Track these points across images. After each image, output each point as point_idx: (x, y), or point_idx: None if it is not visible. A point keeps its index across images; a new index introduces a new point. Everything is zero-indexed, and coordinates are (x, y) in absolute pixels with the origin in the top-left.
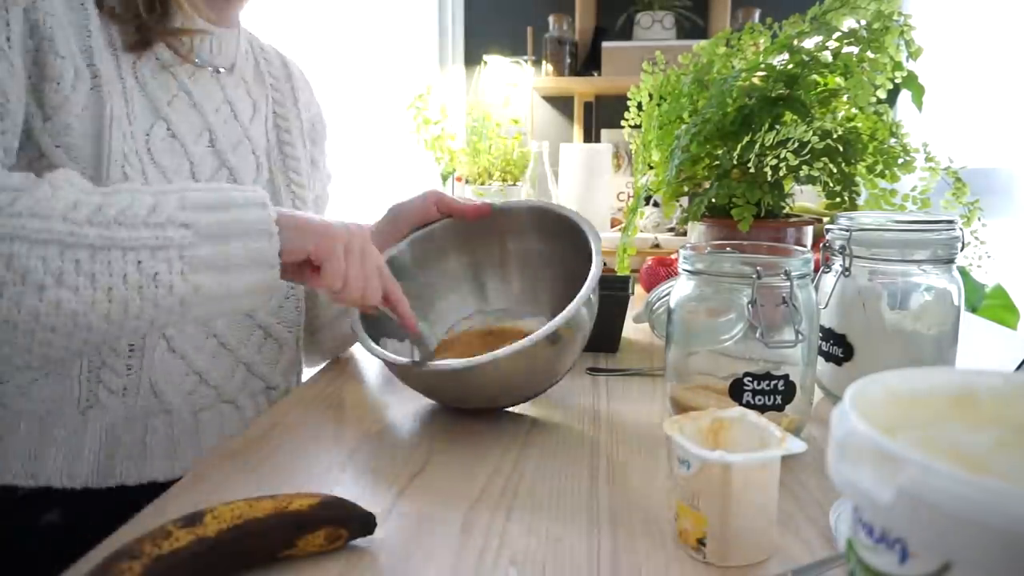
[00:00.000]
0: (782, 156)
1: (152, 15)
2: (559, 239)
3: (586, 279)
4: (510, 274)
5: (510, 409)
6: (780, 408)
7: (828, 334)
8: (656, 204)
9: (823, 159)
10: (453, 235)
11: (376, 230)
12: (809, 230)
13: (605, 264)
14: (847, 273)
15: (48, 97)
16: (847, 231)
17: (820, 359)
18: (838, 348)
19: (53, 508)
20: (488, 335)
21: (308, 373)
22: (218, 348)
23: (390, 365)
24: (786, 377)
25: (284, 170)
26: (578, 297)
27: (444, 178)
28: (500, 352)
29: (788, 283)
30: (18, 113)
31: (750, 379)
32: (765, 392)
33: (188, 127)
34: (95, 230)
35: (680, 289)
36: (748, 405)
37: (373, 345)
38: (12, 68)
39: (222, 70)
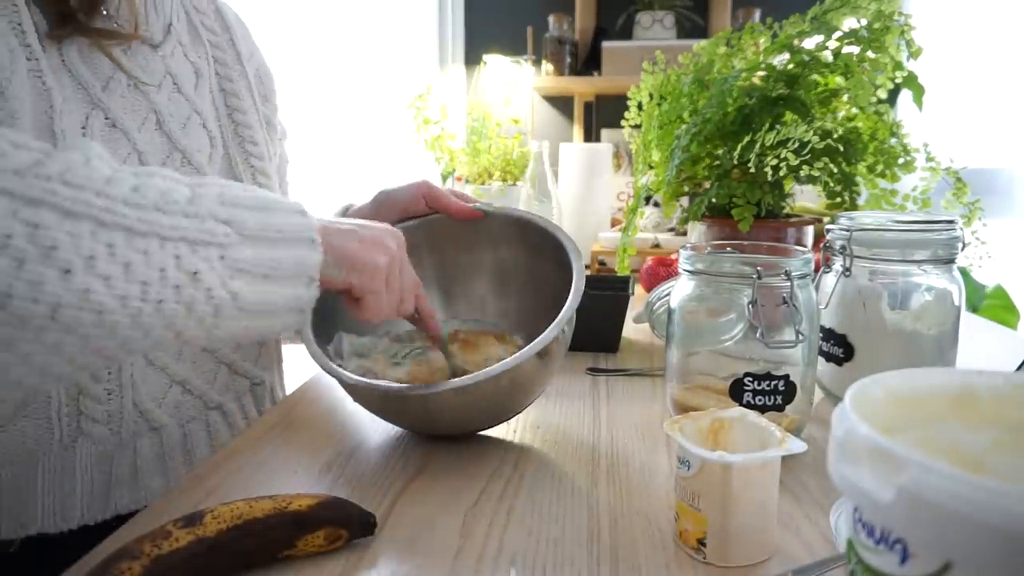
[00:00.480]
0: (782, 156)
1: (82, 3)
2: (540, 253)
3: (561, 299)
4: (481, 283)
5: None
6: (780, 408)
7: (828, 334)
8: (656, 204)
9: (823, 159)
10: (430, 233)
11: (359, 214)
12: (809, 230)
13: (605, 264)
14: (847, 273)
15: None
16: (847, 231)
17: (820, 359)
18: (838, 348)
19: (48, 564)
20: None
21: (294, 366)
22: (197, 353)
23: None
24: (786, 377)
25: (239, 141)
26: (554, 323)
27: (444, 178)
28: (467, 379)
29: (788, 283)
30: None
31: (750, 379)
32: (765, 392)
33: (129, 112)
34: (134, 211)
35: (680, 289)
36: (748, 405)
37: (332, 366)
38: None
39: (157, 43)
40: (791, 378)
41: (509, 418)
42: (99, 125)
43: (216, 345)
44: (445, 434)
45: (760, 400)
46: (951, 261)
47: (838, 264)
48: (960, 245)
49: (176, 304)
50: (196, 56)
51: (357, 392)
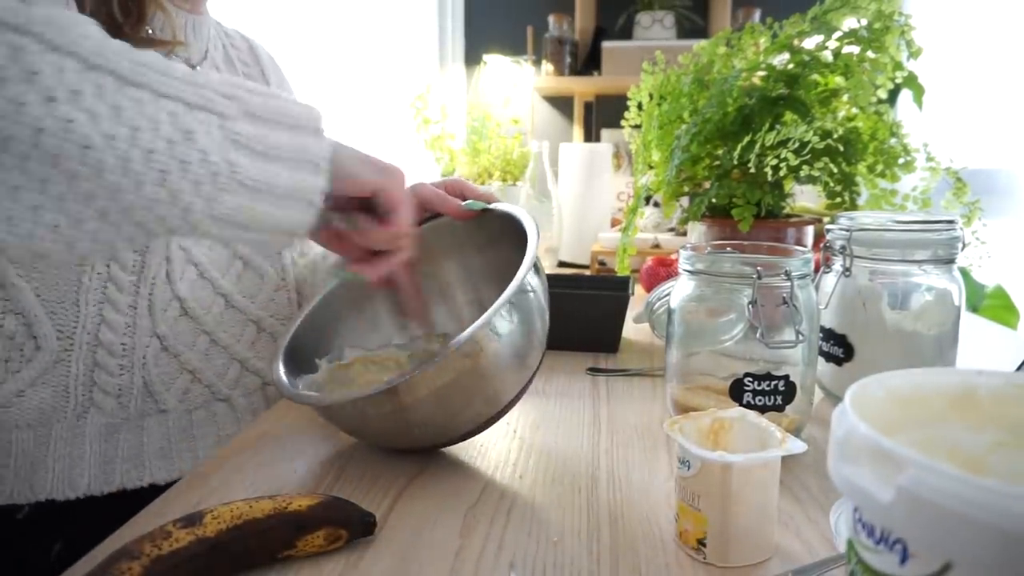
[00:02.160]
0: (782, 156)
1: (127, 19)
2: (502, 241)
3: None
4: (455, 289)
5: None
6: (780, 408)
7: (828, 334)
8: (656, 204)
9: (823, 159)
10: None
11: None
12: (809, 230)
13: (604, 264)
14: (847, 273)
15: None
16: (847, 231)
17: (820, 359)
18: (838, 348)
19: (55, 532)
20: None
21: None
22: (211, 345)
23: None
24: (786, 377)
25: None
26: (484, 316)
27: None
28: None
29: (788, 283)
30: None
31: (750, 379)
32: (765, 392)
33: None
34: (127, 62)
35: (680, 289)
36: (748, 405)
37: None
38: None
39: (194, 64)
40: (791, 378)
41: (484, 422)
42: None
43: (221, 230)
44: (425, 445)
45: (760, 400)
46: (951, 261)
47: (838, 264)
48: (960, 245)
49: (169, 159)
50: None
51: (324, 411)
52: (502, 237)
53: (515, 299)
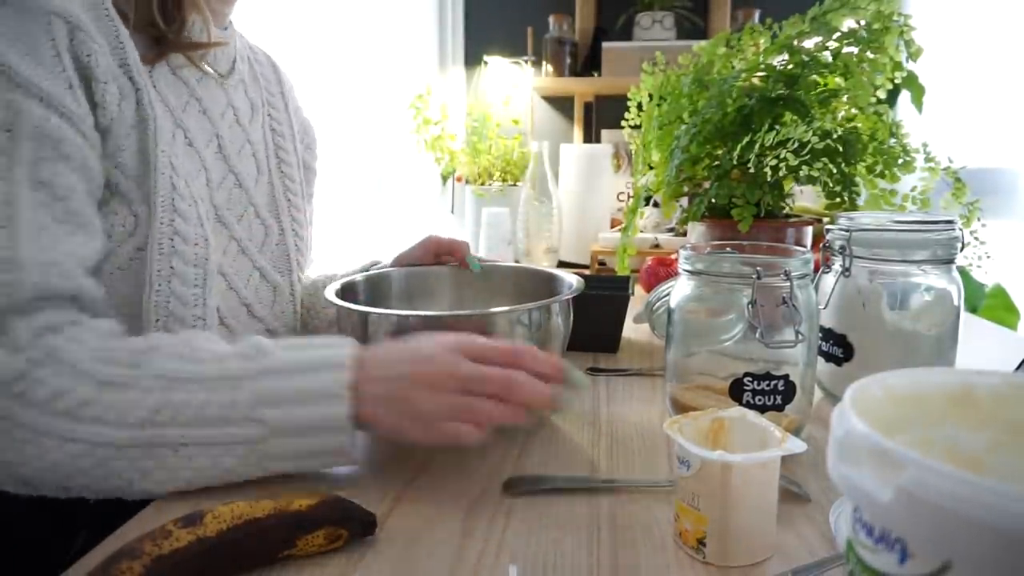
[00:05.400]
0: (782, 156)
1: (171, 26)
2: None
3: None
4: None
5: None
6: (780, 408)
7: (828, 334)
8: (656, 204)
9: (823, 159)
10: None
11: (409, 257)
12: (809, 230)
13: (605, 264)
14: (847, 273)
15: (98, 122)
16: (847, 231)
17: (820, 359)
18: (838, 348)
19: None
20: None
21: None
22: (244, 317)
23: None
24: (786, 377)
25: (280, 176)
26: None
27: (444, 178)
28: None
29: (788, 283)
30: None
31: (750, 379)
32: (765, 392)
33: (200, 134)
34: (175, 431)
35: (680, 289)
36: (748, 405)
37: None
38: (85, 139)
39: (223, 74)
40: (791, 378)
41: None
42: (181, 143)
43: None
44: None
45: (760, 400)
46: (950, 261)
47: (838, 264)
48: (959, 245)
49: (212, 479)
50: (254, 94)
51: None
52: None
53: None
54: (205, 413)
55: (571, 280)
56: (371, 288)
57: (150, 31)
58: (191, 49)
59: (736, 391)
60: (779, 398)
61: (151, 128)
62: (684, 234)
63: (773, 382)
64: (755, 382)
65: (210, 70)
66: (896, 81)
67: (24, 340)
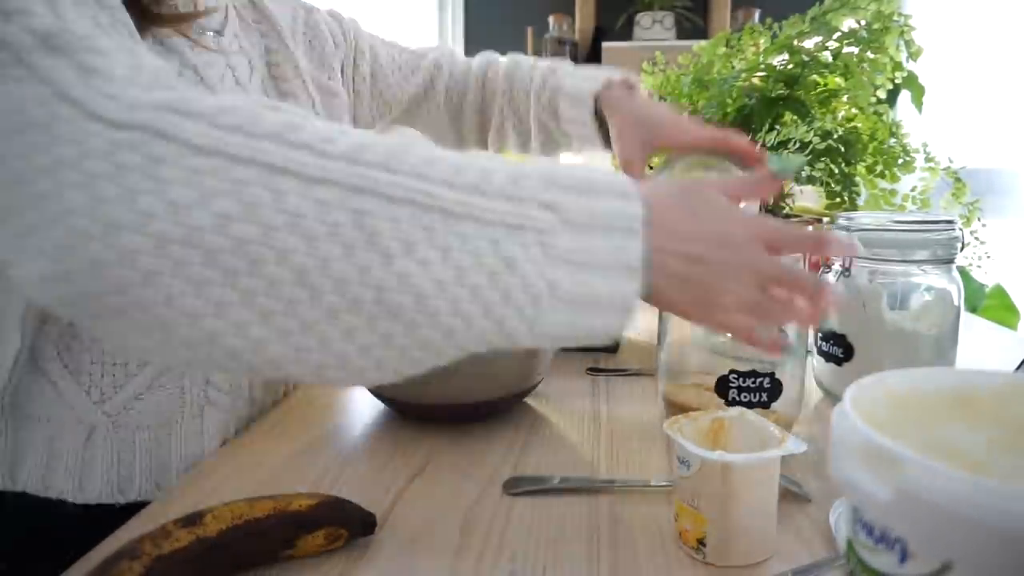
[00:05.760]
0: (783, 157)
1: None
2: None
3: None
4: None
5: (510, 410)
6: (766, 405)
7: (828, 334)
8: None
9: (824, 159)
10: None
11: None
12: (809, 230)
13: None
14: (847, 273)
15: None
16: (847, 231)
17: (820, 359)
18: (838, 348)
19: None
20: None
21: None
22: None
23: None
24: (772, 375)
25: None
26: None
27: None
28: None
29: None
30: None
31: (735, 376)
32: (751, 390)
33: None
34: (452, 193)
35: None
36: (734, 402)
37: None
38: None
39: (218, 31)
40: (776, 376)
41: (504, 396)
42: None
43: (539, 342)
44: (451, 400)
45: (745, 397)
46: (950, 261)
47: (837, 264)
48: (959, 245)
49: (490, 292)
50: (250, 49)
51: None
52: None
53: None
54: (491, 180)
55: None
56: None
57: (129, 2)
58: (177, 22)
59: (722, 388)
60: (765, 395)
61: None
62: None
63: (759, 379)
64: (740, 379)
65: (206, 33)
66: (896, 81)
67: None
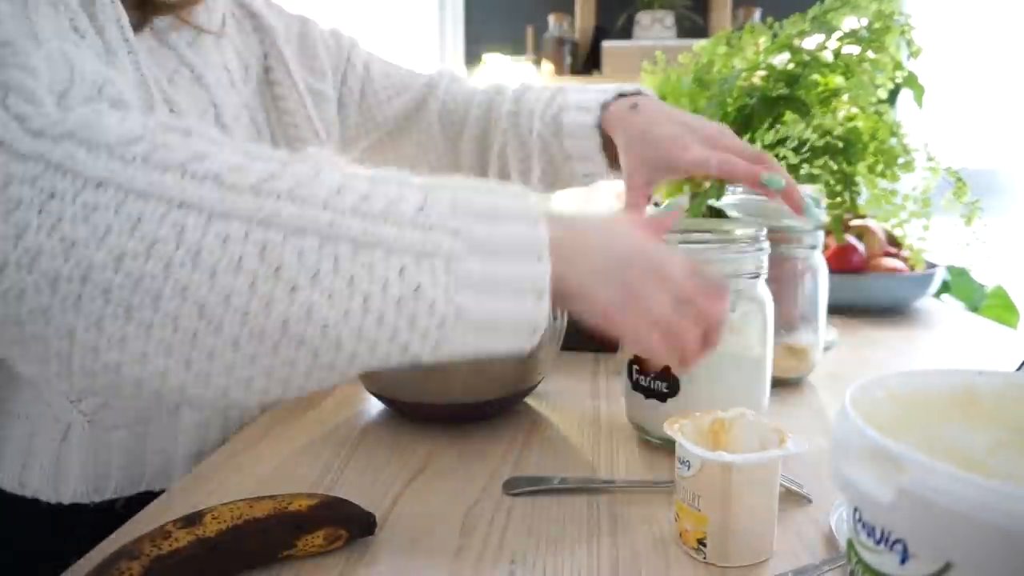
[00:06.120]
0: (781, 155)
1: None
2: None
3: None
4: None
5: (510, 410)
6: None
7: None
8: (656, 204)
9: (824, 157)
10: None
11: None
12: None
13: None
14: None
15: None
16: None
17: (637, 396)
18: (662, 383)
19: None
20: None
21: None
22: None
23: None
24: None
25: (283, 128)
26: None
27: None
28: None
29: None
30: None
31: (637, 366)
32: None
33: (193, 105)
34: (360, 223)
35: None
36: (637, 387)
37: None
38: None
39: (216, 31)
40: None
41: (502, 397)
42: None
43: (440, 359)
44: (447, 399)
45: (645, 383)
46: (757, 276)
47: None
48: (764, 262)
49: (396, 319)
50: (247, 52)
51: None
52: None
53: None
54: (400, 208)
55: None
56: None
57: None
58: (172, 9)
59: (629, 372)
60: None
61: (150, 101)
62: None
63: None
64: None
65: (207, 27)
66: (897, 81)
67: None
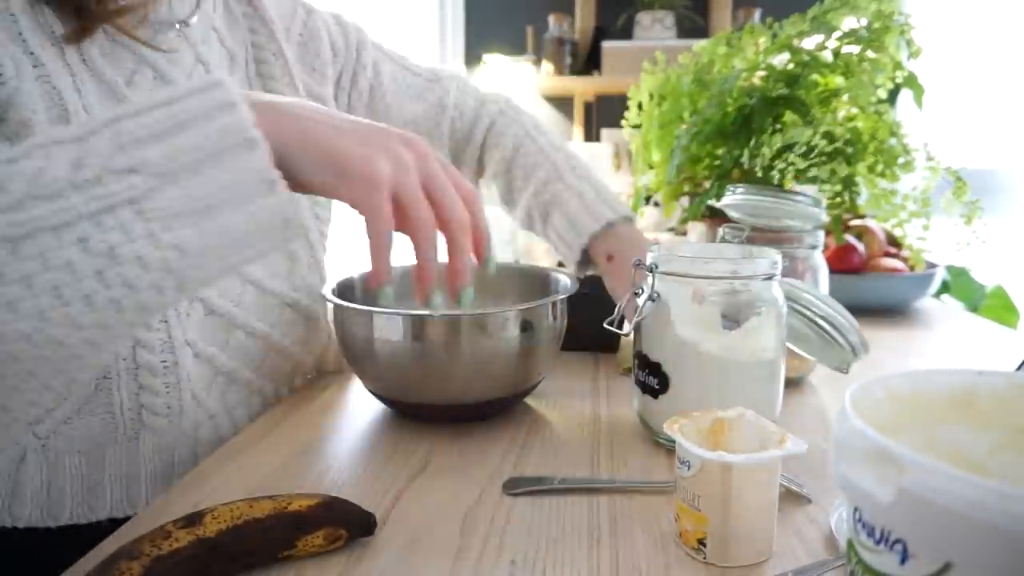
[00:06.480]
0: (789, 160)
1: None
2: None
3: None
4: None
5: (510, 410)
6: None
7: (643, 362)
8: (656, 204)
9: (832, 163)
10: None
11: None
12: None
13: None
14: (655, 297)
15: None
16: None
17: (637, 390)
18: (653, 379)
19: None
20: None
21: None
22: (246, 338)
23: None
24: (659, 366)
25: None
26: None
27: None
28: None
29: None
30: None
31: (637, 361)
32: (646, 376)
33: None
34: (5, 219)
35: None
36: (638, 382)
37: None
38: None
39: (188, 23)
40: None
41: (503, 396)
42: None
43: (216, 282)
44: (446, 399)
45: (642, 378)
46: (771, 278)
47: (647, 286)
48: (780, 265)
49: (108, 291)
50: (233, 41)
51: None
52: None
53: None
54: (48, 177)
55: (566, 280)
56: (364, 287)
57: (72, 2)
58: (115, 16)
59: (632, 366)
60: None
61: (71, 108)
62: (684, 234)
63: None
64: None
65: (164, 23)
66: (897, 81)
67: None
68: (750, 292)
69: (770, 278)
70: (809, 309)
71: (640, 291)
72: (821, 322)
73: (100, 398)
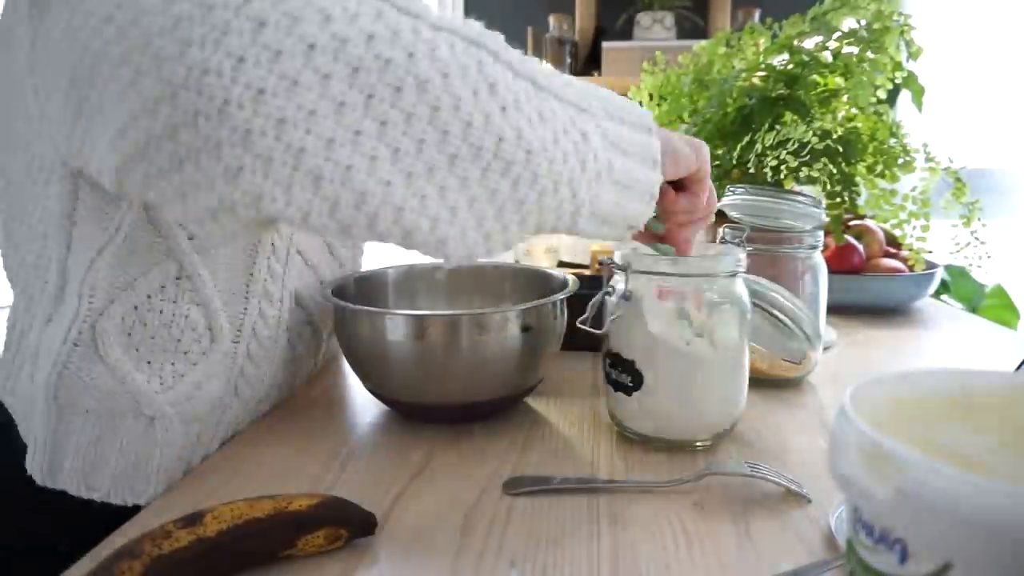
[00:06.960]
0: (782, 157)
1: None
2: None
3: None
4: None
5: (510, 410)
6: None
7: (615, 360)
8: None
9: (823, 160)
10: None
11: None
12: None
13: (604, 264)
14: (628, 296)
15: None
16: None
17: (610, 388)
18: (626, 376)
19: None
20: None
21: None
22: (312, 335)
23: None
24: (632, 363)
25: None
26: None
27: None
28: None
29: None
30: None
31: (609, 359)
32: (619, 373)
33: None
34: (537, 74)
35: None
36: (607, 378)
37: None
38: None
39: None
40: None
41: (503, 397)
42: None
43: (589, 225)
44: (445, 399)
45: (614, 375)
46: (734, 275)
47: (620, 285)
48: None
49: (576, 161)
50: None
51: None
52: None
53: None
54: (551, 78)
55: (567, 279)
56: (361, 288)
57: None
58: None
59: (603, 365)
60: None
61: None
62: None
63: (622, 365)
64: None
65: None
66: (896, 81)
67: None
68: (714, 289)
69: (734, 275)
70: (765, 301)
71: (611, 290)
72: (779, 314)
73: (226, 362)
